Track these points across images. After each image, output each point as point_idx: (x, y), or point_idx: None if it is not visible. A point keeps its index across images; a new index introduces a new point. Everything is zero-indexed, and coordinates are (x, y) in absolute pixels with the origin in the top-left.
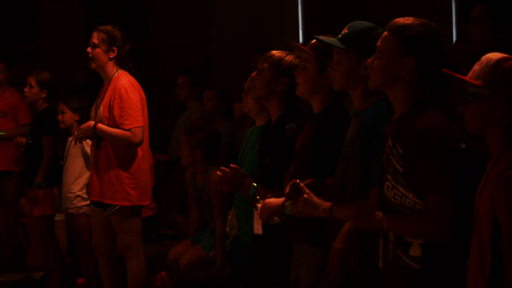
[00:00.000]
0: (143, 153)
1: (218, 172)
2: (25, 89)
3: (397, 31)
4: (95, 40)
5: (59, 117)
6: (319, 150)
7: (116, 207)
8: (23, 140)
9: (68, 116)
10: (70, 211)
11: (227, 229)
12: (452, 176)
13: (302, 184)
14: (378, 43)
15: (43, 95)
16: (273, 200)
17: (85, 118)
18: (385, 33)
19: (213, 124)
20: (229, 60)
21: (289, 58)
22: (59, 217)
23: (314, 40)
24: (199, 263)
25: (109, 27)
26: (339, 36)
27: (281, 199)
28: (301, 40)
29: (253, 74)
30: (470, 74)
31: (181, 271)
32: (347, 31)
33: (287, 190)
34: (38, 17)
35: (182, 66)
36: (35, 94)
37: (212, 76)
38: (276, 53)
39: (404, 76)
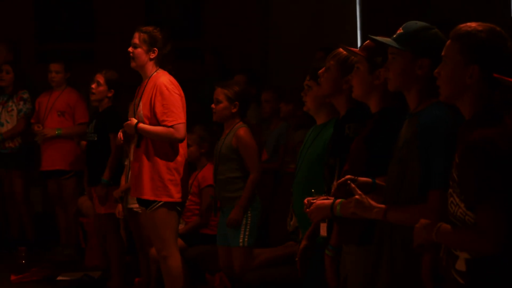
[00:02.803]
0: (183, 151)
1: None
2: (92, 86)
3: (459, 39)
4: (136, 41)
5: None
6: (372, 150)
7: (158, 204)
8: (84, 142)
9: None
10: (135, 209)
11: (287, 226)
12: (505, 189)
13: (353, 185)
14: (443, 53)
15: (110, 94)
16: (323, 201)
17: None
18: (448, 41)
19: (271, 125)
20: (287, 59)
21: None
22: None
23: (366, 42)
24: (248, 263)
25: (150, 28)
26: (394, 36)
27: (331, 200)
28: (359, 39)
29: (320, 71)
30: None
31: (238, 276)
32: (402, 31)
33: (335, 186)
34: (97, 17)
35: (239, 66)
36: (102, 92)
37: (270, 76)
38: (344, 51)
39: (470, 86)
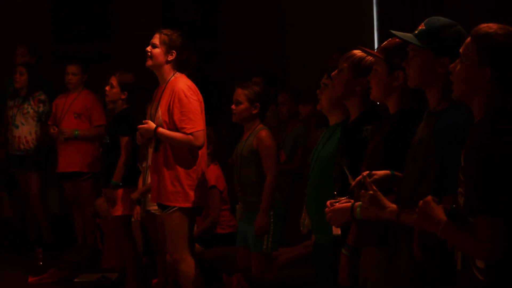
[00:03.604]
0: (202, 155)
1: None
2: (106, 88)
3: (477, 39)
4: (155, 41)
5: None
6: (390, 150)
7: (175, 208)
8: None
9: None
10: (152, 211)
11: (301, 228)
12: (505, 196)
13: (369, 180)
14: (461, 50)
15: (123, 97)
16: (344, 205)
17: None
18: (468, 39)
19: (288, 126)
20: (305, 61)
21: (369, 58)
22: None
23: (384, 43)
24: (267, 267)
25: (171, 31)
26: (415, 32)
27: (351, 203)
28: (376, 40)
29: (333, 73)
30: None
31: (257, 277)
32: (424, 27)
33: (353, 184)
34: (114, 18)
35: (257, 68)
36: (115, 95)
37: (288, 77)
38: (357, 53)
39: (481, 87)
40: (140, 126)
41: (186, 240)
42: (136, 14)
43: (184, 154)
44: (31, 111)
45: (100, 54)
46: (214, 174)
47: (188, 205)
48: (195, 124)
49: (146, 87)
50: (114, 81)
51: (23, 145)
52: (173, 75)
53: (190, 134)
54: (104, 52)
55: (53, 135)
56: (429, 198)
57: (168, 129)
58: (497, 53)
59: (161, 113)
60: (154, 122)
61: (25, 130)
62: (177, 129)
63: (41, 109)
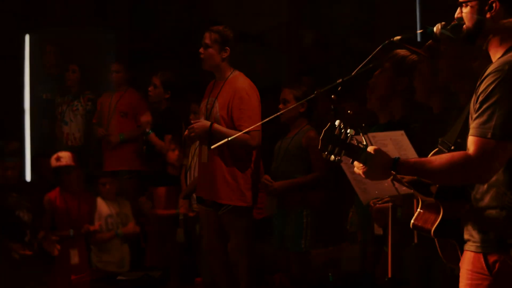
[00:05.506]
0: (257, 155)
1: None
2: (149, 88)
3: None
4: (207, 41)
5: (191, 117)
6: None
7: (230, 207)
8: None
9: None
10: (194, 209)
11: (347, 227)
12: None
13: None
14: None
15: (167, 96)
16: (383, 204)
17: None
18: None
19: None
20: (348, 59)
21: (413, 57)
22: None
23: (429, 41)
24: (307, 266)
25: (221, 27)
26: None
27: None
28: (419, 38)
29: (376, 72)
30: None
31: (298, 277)
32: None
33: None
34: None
35: (298, 67)
36: (159, 95)
37: (331, 75)
38: (400, 52)
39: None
40: (194, 123)
41: (246, 238)
42: (181, 13)
43: (241, 153)
44: (80, 108)
45: (144, 53)
46: None
47: (242, 204)
48: (252, 123)
49: (188, 85)
50: (156, 81)
51: (71, 142)
52: (232, 72)
53: (247, 133)
54: (148, 51)
55: (100, 137)
56: None
57: (226, 126)
58: None
59: (219, 108)
60: (208, 117)
61: (74, 127)
62: (234, 127)
63: (89, 107)
